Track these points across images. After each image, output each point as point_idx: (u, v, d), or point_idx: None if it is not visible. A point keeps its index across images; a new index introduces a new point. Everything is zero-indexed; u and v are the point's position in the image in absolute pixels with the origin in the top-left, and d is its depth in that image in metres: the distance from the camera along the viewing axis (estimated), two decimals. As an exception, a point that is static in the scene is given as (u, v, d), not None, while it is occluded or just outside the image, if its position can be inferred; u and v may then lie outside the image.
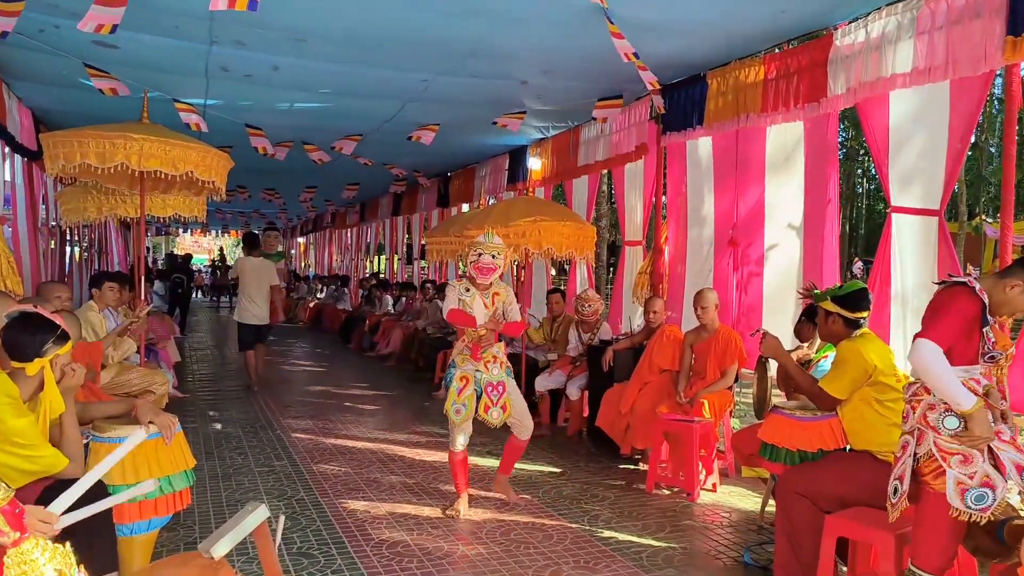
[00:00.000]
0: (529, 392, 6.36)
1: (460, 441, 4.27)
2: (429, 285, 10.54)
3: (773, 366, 3.92)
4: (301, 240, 27.67)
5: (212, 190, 4.50)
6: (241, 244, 9.56)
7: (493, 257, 4.20)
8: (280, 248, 9.87)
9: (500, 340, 4.33)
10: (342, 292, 15.27)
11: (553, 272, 11.89)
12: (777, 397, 4.14)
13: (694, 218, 6.20)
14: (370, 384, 8.61)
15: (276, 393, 7.90)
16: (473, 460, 5.13)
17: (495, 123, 7.00)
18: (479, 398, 4.20)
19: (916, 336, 2.54)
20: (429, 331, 9.56)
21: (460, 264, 12.24)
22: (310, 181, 12.83)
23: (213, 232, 31.57)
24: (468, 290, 4.22)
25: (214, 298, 22.98)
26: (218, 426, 6.26)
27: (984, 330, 2.57)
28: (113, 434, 3.01)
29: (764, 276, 5.47)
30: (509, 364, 4.31)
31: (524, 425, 4.30)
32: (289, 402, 7.43)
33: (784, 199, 5.37)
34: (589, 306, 6.24)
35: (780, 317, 5.25)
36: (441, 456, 5.46)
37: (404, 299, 11.47)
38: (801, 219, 5.23)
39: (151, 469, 2.97)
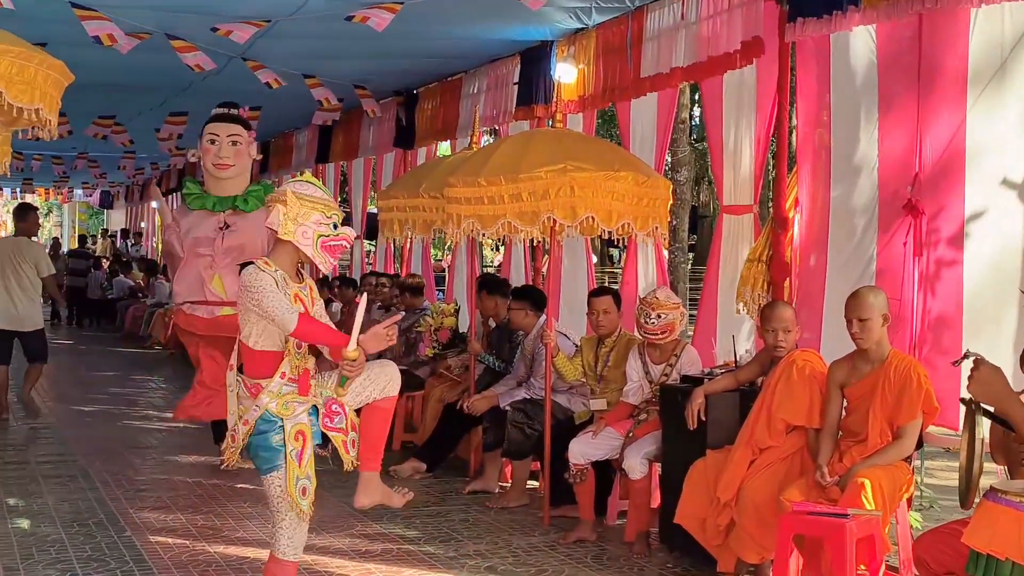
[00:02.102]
0: (559, 466, 6.38)
1: (301, 544, 4.35)
2: (383, 281, 10.55)
3: (987, 420, 3.92)
4: (158, 204, 27.73)
5: (32, 124, 4.49)
6: (14, 217, 10.32)
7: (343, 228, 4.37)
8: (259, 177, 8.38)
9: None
10: (230, 295, 15.32)
11: (595, 260, 11.91)
12: (992, 476, 4.13)
13: (843, 167, 6.20)
14: (281, 452, 8.61)
15: (119, 468, 7.91)
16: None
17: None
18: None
19: None
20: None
21: (435, 244, 12.23)
22: (177, 104, 12.86)
23: (6, 192, 31.75)
24: (286, 282, 4.25)
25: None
26: (24, 523, 6.26)
27: None
28: None
29: (965, 265, 5.47)
30: None
31: (384, 372, 4.44)
32: (143, 483, 7.45)
33: (1000, 135, 5.37)
34: (660, 317, 6.24)
35: (995, 336, 5.24)
36: (412, 573, 5.47)
37: (340, 305, 11.49)
38: (1028, 168, 5.25)
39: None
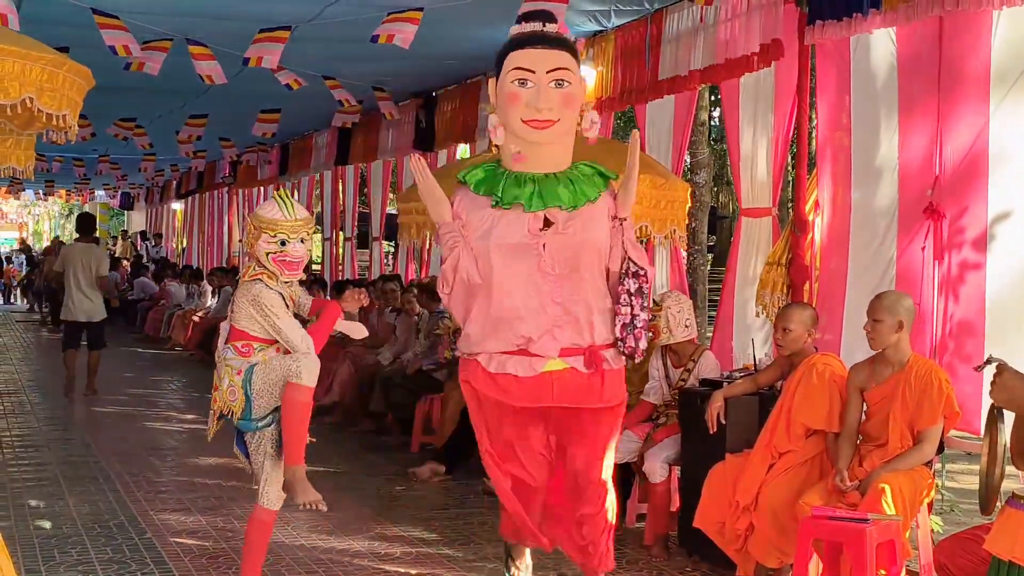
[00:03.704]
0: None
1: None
2: (392, 287, 10.61)
3: (1010, 424, 3.90)
4: (178, 207, 27.95)
5: (55, 128, 4.53)
6: (80, 225, 12.61)
7: (302, 242, 4.75)
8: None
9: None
10: (249, 296, 15.36)
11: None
12: (1013, 479, 4.11)
13: (863, 170, 6.18)
14: (301, 454, 8.65)
15: (139, 468, 7.96)
16: None
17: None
18: None
19: None
20: (403, 365, 9.58)
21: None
22: (196, 107, 12.91)
23: (28, 194, 31.90)
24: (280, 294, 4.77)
25: (37, 305, 23.21)
26: (46, 524, 6.31)
27: None
28: None
29: (988, 270, 5.45)
30: None
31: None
32: (163, 484, 7.49)
33: (1020, 138, 5.35)
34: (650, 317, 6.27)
35: (1019, 342, 5.22)
36: (429, 573, 5.49)
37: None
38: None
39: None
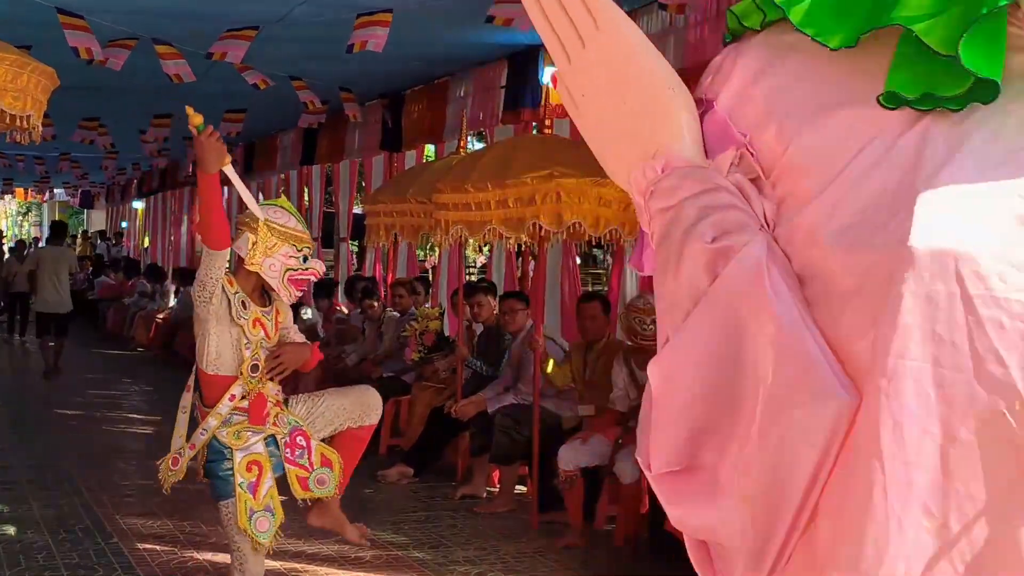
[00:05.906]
0: (549, 472, 6.40)
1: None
2: (364, 286, 10.57)
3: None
4: (139, 205, 27.77)
5: (20, 129, 4.48)
6: (54, 231, 14.89)
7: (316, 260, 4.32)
8: None
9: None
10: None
11: (580, 263, 11.94)
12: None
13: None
14: (267, 457, 8.63)
15: (102, 472, 7.90)
16: None
17: (490, 19, 7.07)
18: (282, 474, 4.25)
19: None
20: (369, 368, 9.57)
21: (421, 247, 12.31)
22: (160, 106, 12.84)
23: (-14, 192, 31.54)
24: (245, 306, 4.18)
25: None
26: (10, 530, 6.28)
27: None
28: None
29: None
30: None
31: (365, 400, 4.44)
32: (128, 488, 7.45)
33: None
34: (650, 324, 6.27)
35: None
36: (398, 582, 5.49)
37: (322, 311, 11.48)
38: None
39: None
